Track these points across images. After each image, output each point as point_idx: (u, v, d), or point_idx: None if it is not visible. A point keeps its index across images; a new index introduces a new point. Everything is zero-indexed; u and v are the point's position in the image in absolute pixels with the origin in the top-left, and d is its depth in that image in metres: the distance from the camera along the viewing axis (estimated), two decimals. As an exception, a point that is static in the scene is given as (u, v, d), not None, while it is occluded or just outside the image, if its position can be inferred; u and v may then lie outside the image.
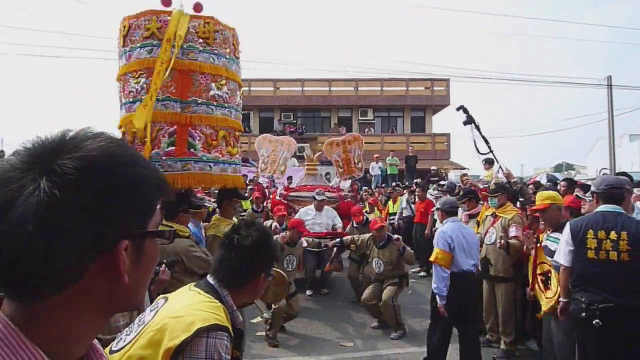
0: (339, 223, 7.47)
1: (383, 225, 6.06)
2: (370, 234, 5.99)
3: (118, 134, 3.46)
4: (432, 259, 4.33)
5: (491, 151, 5.99)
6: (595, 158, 34.62)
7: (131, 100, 3.50)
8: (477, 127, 5.86)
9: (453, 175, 19.96)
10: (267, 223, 6.76)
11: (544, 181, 9.45)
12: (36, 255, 0.58)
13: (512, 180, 5.51)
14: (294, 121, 22.71)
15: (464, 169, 22.22)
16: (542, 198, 4.08)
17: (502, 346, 4.96)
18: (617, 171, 19.90)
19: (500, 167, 5.92)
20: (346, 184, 9.83)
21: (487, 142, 5.91)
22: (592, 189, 3.57)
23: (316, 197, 7.29)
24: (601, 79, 19.62)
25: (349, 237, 6.53)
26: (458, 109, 5.95)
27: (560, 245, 3.50)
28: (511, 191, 5.44)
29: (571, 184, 6.44)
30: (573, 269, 3.33)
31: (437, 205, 4.78)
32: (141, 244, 0.71)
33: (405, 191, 10.67)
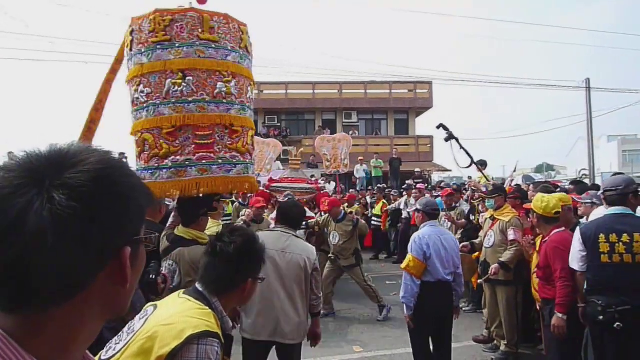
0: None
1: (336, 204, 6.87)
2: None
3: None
4: (403, 266, 3.99)
5: (475, 163, 6.12)
6: (575, 159, 35.32)
7: (173, 101, 3.07)
8: (458, 142, 6.04)
9: (437, 177, 20.19)
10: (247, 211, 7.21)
11: (520, 182, 9.58)
12: (55, 266, 0.60)
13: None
14: (278, 124, 22.56)
15: (447, 170, 22.48)
16: None
17: (502, 348, 4.93)
18: (596, 171, 20.35)
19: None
20: (330, 186, 10.01)
21: (469, 155, 6.06)
22: (601, 191, 3.50)
23: (280, 200, 7.51)
24: (580, 82, 20.04)
25: (313, 219, 7.20)
26: (438, 127, 6.30)
27: (572, 251, 3.41)
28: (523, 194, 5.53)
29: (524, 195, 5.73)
30: (586, 274, 3.26)
31: (418, 207, 4.33)
32: (137, 249, 0.74)
33: (405, 193, 10.81)
